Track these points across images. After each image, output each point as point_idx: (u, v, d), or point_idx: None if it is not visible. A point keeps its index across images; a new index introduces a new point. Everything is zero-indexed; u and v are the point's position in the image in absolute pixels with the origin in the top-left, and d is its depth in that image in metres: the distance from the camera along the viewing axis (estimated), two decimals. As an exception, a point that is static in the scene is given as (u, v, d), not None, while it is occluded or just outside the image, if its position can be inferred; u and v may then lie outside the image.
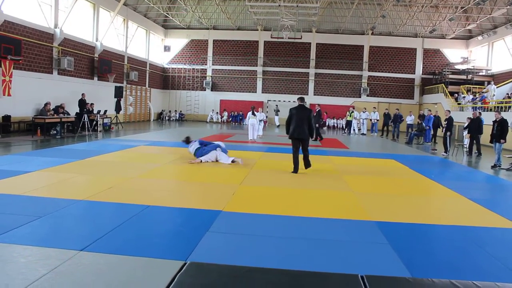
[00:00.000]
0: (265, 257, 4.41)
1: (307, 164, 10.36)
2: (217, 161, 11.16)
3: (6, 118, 17.49)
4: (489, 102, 24.04)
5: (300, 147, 10.26)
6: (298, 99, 10.83)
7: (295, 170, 10.13)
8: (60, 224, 5.32)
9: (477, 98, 25.88)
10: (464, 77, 31.54)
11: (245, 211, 6.28)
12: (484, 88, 27.85)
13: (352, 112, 28.21)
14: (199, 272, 3.91)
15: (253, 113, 18.56)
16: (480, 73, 31.88)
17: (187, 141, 11.82)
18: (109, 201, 6.55)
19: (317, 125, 19.48)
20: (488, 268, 4.45)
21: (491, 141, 14.27)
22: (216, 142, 12.01)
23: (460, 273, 4.20)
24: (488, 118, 17.12)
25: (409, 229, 5.77)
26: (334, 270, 4.10)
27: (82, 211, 6.06)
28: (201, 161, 10.97)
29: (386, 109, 28.79)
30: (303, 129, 10.04)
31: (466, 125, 17.87)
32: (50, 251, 4.27)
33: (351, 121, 28.14)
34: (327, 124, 35.34)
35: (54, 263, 3.96)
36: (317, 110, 19.85)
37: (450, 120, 17.08)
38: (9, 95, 17.11)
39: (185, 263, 4.05)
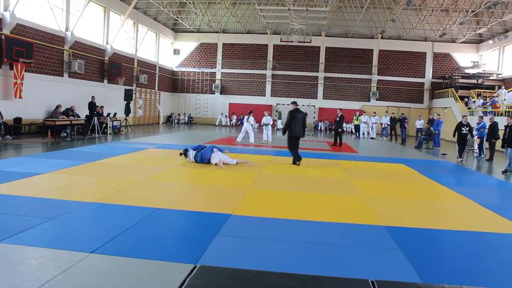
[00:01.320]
0: (275, 261, 4.40)
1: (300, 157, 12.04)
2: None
3: (17, 120, 17.66)
4: (499, 107, 23.83)
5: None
6: (292, 103, 12.62)
7: (298, 161, 11.94)
8: (70, 226, 5.35)
9: (487, 102, 25.67)
10: (474, 81, 31.34)
11: (254, 214, 6.27)
12: (495, 92, 27.63)
13: (359, 116, 28.14)
14: (209, 276, 3.90)
15: (248, 118, 18.95)
16: (491, 78, 31.62)
17: (185, 153, 11.79)
18: (118, 203, 6.57)
19: (339, 129, 19.59)
20: (499, 274, 4.41)
21: (502, 146, 14.15)
22: (209, 145, 12.07)
23: (470, 279, 4.17)
24: (499, 123, 16.94)
25: (419, 234, 5.73)
26: (344, 275, 4.07)
27: (92, 213, 6.09)
28: (219, 164, 11.00)
29: (393, 113, 28.68)
30: (303, 129, 12.18)
31: (475, 129, 17.78)
32: (61, 253, 4.29)
33: (359, 125, 28.09)
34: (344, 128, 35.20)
35: (65, 265, 3.98)
36: (339, 115, 19.73)
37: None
38: (20, 97, 17.30)
39: (195, 267, 4.05)
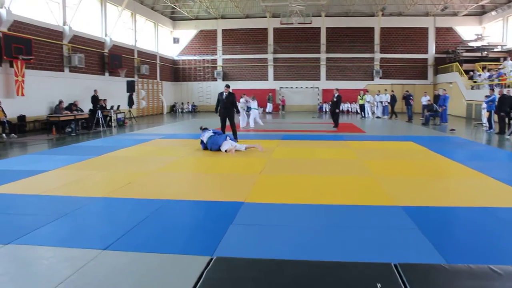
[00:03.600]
0: (294, 248, 4.27)
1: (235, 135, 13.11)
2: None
3: (21, 118, 17.56)
4: (506, 79, 23.49)
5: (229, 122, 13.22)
6: (226, 86, 13.50)
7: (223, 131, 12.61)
8: (80, 223, 5.23)
9: (493, 75, 25.32)
10: (478, 54, 30.83)
11: (267, 201, 6.15)
12: (501, 64, 27.23)
13: (364, 95, 27.83)
14: (227, 268, 3.77)
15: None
16: (495, 49, 31.11)
17: (203, 130, 11.78)
18: (128, 197, 6.46)
19: (336, 110, 19.18)
20: (526, 250, 4.26)
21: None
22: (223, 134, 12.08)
23: (497, 258, 4.01)
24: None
25: (438, 213, 5.58)
26: (365, 259, 3.93)
27: (102, 208, 5.98)
28: (231, 150, 10.93)
29: (392, 91, 28.27)
30: (231, 110, 13.26)
31: (484, 101, 17.58)
32: (73, 251, 4.18)
33: (364, 105, 27.81)
34: (341, 108, 34.91)
35: (78, 264, 3.86)
36: (335, 95, 19.24)
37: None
38: (22, 95, 17.19)
39: (211, 259, 3.93)
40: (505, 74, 24.17)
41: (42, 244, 4.40)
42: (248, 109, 20.12)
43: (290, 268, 3.72)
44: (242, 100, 20.16)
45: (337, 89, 19.48)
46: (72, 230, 4.97)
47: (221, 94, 13.29)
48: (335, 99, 19.09)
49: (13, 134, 15.97)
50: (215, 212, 5.68)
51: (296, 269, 3.70)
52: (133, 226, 4.96)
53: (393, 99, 26.45)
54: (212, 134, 11.44)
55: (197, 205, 6.09)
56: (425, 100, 24.39)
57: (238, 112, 13.79)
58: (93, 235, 4.76)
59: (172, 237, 4.66)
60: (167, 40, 36.67)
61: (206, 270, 3.66)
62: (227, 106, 13.14)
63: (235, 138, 12.68)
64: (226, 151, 10.95)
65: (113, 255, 4.12)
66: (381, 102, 28.30)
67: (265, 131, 17.71)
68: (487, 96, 18.21)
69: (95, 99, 20.21)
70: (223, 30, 36.78)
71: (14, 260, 4.05)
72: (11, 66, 16.95)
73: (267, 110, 34.26)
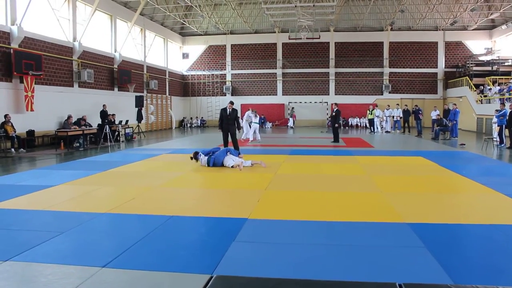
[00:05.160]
0: (296, 267, 4.16)
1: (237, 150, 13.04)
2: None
3: (30, 133, 17.68)
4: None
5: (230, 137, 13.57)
6: (230, 102, 13.79)
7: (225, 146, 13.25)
8: (81, 239, 5.17)
9: (504, 89, 25.09)
10: (489, 68, 30.66)
11: (272, 217, 6.05)
12: (511, 78, 27.00)
13: (373, 110, 27.75)
14: (226, 286, 3.69)
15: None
16: (506, 63, 30.91)
17: (195, 157, 11.61)
18: (131, 212, 6.40)
19: (336, 125, 19.08)
20: (536, 270, 4.11)
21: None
22: (221, 148, 11.99)
23: (506, 278, 3.88)
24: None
25: (446, 230, 5.44)
26: (369, 279, 3.82)
27: (104, 224, 5.92)
28: (239, 166, 10.83)
29: (406, 105, 28.14)
30: (229, 125, 13.49)
31: (495, 116, 17.41)
32: (71, 269, 4.12)
33: (373, 119, 27.69)
34: (349, 123, 34.85)
35: (75, 282, 3.79)
36: (335, 110, 19.20)
37: None
38: (32, 110, 17.32)
39: (211, 277, 3.84)
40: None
41: (42, 261, 4.33)
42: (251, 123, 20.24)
43: (291, 287, 3.62)
44: (247, 113, 20.32)
45: (336, 104, 19.55)
46: (72, 246, 4.91)
47: (224, 110, 13.64)
48: (334, 114, 19.07)
49: (22, 149, 16.08)
50: (218, 229, 5.60)
51: (297, 289, 3.60)
52: (134, 243, 4.89)
53: (407, 113, 26.31)
54: (207, 157, 11.30)
55: (200, 221, 6.00)
56: (434, 114, 24.23)
57: (239, 128, 14.07)
58: (93, 252, 4.68)
59: (173, 254, 4.57)
60: (177, 55, 36.95)
61: (205, 289, 3.57)
62: (229, 122, 13.52)
63: (237, 151, 12.66)
64: (232, 166, 10.87)
65: (111, 273, 4.04)
66: (392, 117, 28.16)
67: (272, 146, 17.65)
68: (497, 111, 18.00)
69: (104, 114, 20.31)
70: (232, 45, 37.01)
71: (12, 277, 3.98)
72: (21, 81, 17.13)
73: (289, 125, 34.29)
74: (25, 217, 6.14)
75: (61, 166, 12.07)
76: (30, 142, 17.53)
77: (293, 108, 35.30)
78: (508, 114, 16.63)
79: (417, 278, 3.86)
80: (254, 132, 19.93)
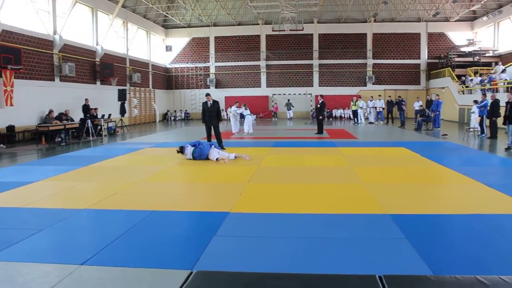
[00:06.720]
0: (277, 261, 4.16)
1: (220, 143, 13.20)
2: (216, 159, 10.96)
3: (10, 128, 17.39)
4: (497, 83, 23.51)
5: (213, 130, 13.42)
6: (207, 94, 13.85)
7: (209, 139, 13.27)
8: (60, 236, 5.10)
9: (485, 80, 25.37)
10: (470, 59, 31.01)
11: (253, 211, 6.04)
12: (492, 69, 27.31)
13: (357, 101, 27.83)
14: (206, 282, 3.65)
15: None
16: (487, 54, 31.27)
17: (182, 151, 11.54)
18: (113, 208, 6.33)
19: (320, 117, 19.10)
20: (514, 259, 4.16)
21: (504, 123, 13.92)
22: (205, 142, 12.05)
23: (485, 268, 3.92)
24: (500, 100, 16.62)
25: (427, 221, 5.49)
26: (349, 272, 3.83)
27: (84, 221, 5.84)
28: (224, 160, 10.82)
29: (389, 96, 28.29)
30: (216, 118, 13.38)
31: (476, 106, 17.62)
32: (50, 267, 4.06)
33: (357, 111, 27.80)
34: (333, 115, 34.92)
35: (53, 281, 3.73)
36: (320, 101, 19.25)
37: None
38: (11, 105, 16.96)
39: (191, 273, 3.81)
40: (495, 78, 24.19)
41: (19, 260, 4.26)
42: (242, 116, 20.14)
43: (271, 282, 3.61)
44: (233, 107, 20.22)
45: (321, 96, 19.51)
46: (51, 244, 4.85)
47: (205, 103, 13.41)
48: (318, 106, 19.09)
49: (1, 145, 15.79)
50: (199, 223, 5.58)
51: (277, 283, 3.59)
52: (114, 239, 4.84)
53: (390, 104, 26.42)
54: (194, 147, 11.27)
55: (181, 216, 5.96)
56: (417, 105, 24.41)
57: (220, 120, 13.76)
58: (73, 249, 4.62)
59: (153, 250, 4.54)
60: (160, 48, 36.59)
61: (184, 285, 3.54)
62: (211, 115, 13.31)
63: (220, 146, 12.65)
64: (217, 159, 10.83)
65: (90, 270, 3.99)
66: (375, 108, 28.29)
67: (256, 138, 17.61)
68: (475, 101, 18.20)
69: (86, 108, 20.04)
70: (215, 37, 36.75)
71: (-12, 278, 3.91)
72: (0, 76, 16.78)
73: (287, 117, 34.30)
74: (3, 215, 6.04)
75: (42, 161, 11.89)
76: (10, 137, 17.23)
77: (289, 100, 35.07)
78: (489, 105, 16.81)
79: (397, 269, 3.88)
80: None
